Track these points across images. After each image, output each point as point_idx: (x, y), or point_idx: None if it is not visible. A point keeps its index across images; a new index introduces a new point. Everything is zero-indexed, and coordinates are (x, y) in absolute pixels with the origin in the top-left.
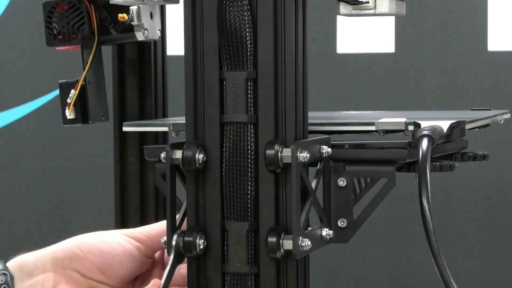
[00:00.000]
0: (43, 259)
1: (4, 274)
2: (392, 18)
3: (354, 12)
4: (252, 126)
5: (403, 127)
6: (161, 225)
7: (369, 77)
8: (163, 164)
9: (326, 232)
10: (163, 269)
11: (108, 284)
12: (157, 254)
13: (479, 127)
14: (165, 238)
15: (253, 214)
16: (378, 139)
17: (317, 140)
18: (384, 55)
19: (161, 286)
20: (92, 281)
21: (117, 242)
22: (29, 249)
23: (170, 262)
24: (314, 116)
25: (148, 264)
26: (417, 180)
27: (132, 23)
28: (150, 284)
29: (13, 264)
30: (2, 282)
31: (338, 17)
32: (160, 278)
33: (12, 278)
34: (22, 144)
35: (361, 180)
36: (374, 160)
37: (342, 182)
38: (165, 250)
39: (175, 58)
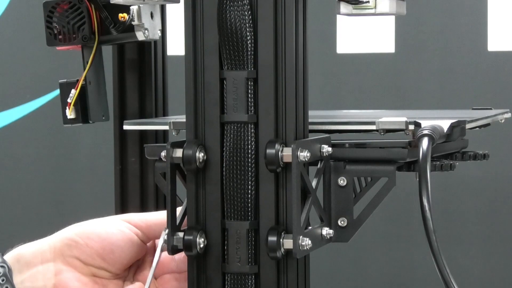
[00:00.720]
0: (41, 249)
1: (2, 266)
2: (392, 18)
3: (354, 11)
4: (252, 126)
5: (403, 127)
6: (160, 215)
7: (369, 77)
8: (163, 163)
9: (326, 231)
10: (154, 255)
11: (108, 270)
12: (149, 243)
13: (479, 127)
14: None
15: (253, 213)
16: (378, 138)
17: (318, 139)
18: (384, 55)
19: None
20: (93, 268)
21: (116, 228)
22: (26, 241)
23: (157, 254)
24: (314, 115)
25: (145, 250)
26: (417, 179)
27: (133, 23)
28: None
29: (10, 256)
30: (0, 274)
31: (338, 17)
32: (151, 264)
33: (10, 270)
34: (22, 144)
35: (361, 179)
36: (374, 159)
37: (342, 181)
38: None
39: (175, 58)
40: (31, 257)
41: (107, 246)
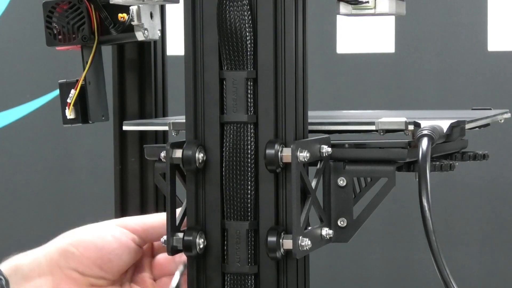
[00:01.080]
0: (38, 261)
1: None
2: (392, 18)
3: (354, 12)
4: (252, 126)
5: (403, 127)
6: (156, 218)
7: (369, 77)
8: (163, 163)
9: (326, 231)
10: (152, 256)
11: (106, 278)
12: (145, 245)
13: (479, 127)
14: (165, 237)
15: (253, 213)
16: (378, 138)
17: (317, 140)
18: (384, 55)
19: None
20: (91, 278)
21: (112, 236)
22: (22, 250)
23: (179, 271)
24: (314, 115)
25: (141, 254)
26: (417, 179)
27: (132, 23)
28: None
29: (7, 267)
30: None
31: (338, 17)
32: (149, 266)
33: (7, 282)
34: (22, 144)
35: (361, 179)
36: (374, 159)
37: (342, 182)
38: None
39: (175, 58)
40: (28, 269)
41: (104, 256)
